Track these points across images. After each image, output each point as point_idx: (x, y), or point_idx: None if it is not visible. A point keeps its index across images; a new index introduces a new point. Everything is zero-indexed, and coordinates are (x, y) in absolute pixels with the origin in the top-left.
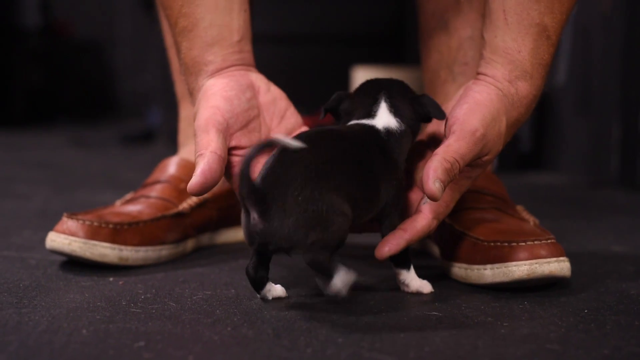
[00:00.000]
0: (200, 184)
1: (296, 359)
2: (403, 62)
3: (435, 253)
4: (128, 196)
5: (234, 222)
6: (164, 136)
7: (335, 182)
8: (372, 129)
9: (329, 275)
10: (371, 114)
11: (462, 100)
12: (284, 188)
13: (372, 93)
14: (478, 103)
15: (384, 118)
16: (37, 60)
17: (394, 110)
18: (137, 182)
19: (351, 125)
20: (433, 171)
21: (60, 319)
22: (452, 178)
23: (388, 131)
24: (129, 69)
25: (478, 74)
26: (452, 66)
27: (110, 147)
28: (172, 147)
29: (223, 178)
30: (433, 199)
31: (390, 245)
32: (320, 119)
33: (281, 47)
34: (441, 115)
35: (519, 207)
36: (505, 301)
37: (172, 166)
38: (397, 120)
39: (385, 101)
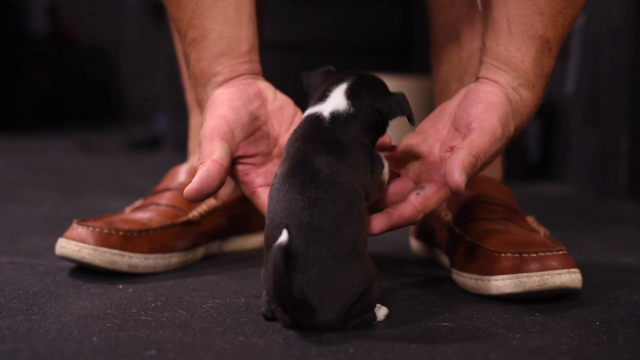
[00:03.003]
0: (195, 190)
1: None
2: (411, 72)
3: (445, 263)
4: (137, 203)
5: (243, 230)
6: (171, 143)
7: (356, 245)
8: (318, 118)
9: (372, 323)
10: (325, 95)
11: (475, 99)
12: (324, 287)
13: (343, 75)
14: (493, 104)
15: (335, 100)
16: (43, 66)
17: (350, 94)
18: (144, 188)
19: (302, 142)
20: (460, 163)
21: (70, 326)
22: (474, 174)
23: (333, 116)
24: (135, 75)
25: (479, 77)
26: (463, 77)
27: (117, 153)
28: (178, 154)
29: (233, 185)
30: (457, 191)
31: (374, 225)
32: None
33: (290, 54)
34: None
35: (530, 218)
36: (516, 312)
37: (182, 174)
38: (347, 103)
39: (348, 84)
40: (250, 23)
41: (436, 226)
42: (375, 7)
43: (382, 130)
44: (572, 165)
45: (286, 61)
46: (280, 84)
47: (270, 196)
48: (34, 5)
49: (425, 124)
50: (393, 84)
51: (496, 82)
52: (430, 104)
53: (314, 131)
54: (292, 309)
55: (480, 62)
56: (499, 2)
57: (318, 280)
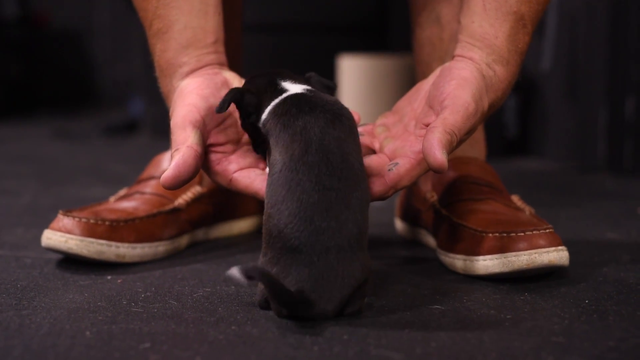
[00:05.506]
0: (173, 177)
1: (304, 358)
2: (388, 50)
3: (431, 244)
4: (122, 192)
5: (229, 216)
6: (148, 127)
7: (362, 235)
8: (300, 94)
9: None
10: (279, 89)
11: (448, 77)
12: (326, 281)
13: (267, 80)
14: (465, 79)
15: (293, 87)
16: (15, 51)
17: (295, 80)
18: (124, 175)
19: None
20: (438, 142)
21: (62, 320)
22: (451, 151)
23: (309, 90)
24: (109, 59)
25: (455, 55)
26: (445, 58)
27: (94, 139)
28: (156, 138)
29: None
30: (441, 170)
31: None
32: (218, 112)
33: (267, 36)
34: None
35: (515, 197)
36: (505, 293)
37: (165, 161)
38: (304, 87)
39: (285, 80)
40: (216, 14)
41: (422, 208)
42: None
43: None
44: (550, 140)
45: (262, 43)
46: (255, 66)
47: (277, 183)
48: None
49: (401, 103)
50: (370, 63)
51: (470, 58)
52: (408, 82)
53: (308, 101)
54: (290, 303)
55: (457, 41)
56: None
57: (320, 273)
